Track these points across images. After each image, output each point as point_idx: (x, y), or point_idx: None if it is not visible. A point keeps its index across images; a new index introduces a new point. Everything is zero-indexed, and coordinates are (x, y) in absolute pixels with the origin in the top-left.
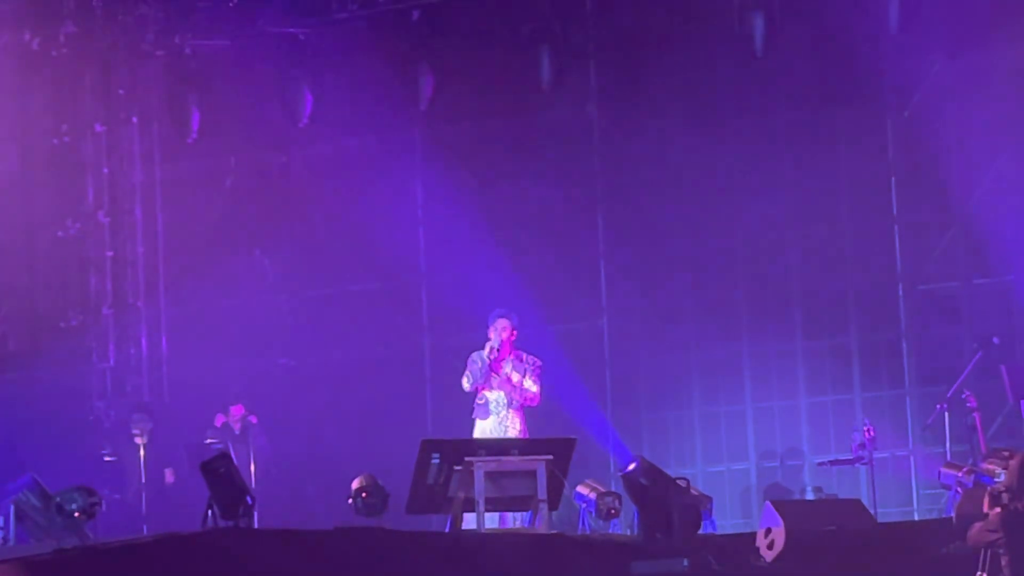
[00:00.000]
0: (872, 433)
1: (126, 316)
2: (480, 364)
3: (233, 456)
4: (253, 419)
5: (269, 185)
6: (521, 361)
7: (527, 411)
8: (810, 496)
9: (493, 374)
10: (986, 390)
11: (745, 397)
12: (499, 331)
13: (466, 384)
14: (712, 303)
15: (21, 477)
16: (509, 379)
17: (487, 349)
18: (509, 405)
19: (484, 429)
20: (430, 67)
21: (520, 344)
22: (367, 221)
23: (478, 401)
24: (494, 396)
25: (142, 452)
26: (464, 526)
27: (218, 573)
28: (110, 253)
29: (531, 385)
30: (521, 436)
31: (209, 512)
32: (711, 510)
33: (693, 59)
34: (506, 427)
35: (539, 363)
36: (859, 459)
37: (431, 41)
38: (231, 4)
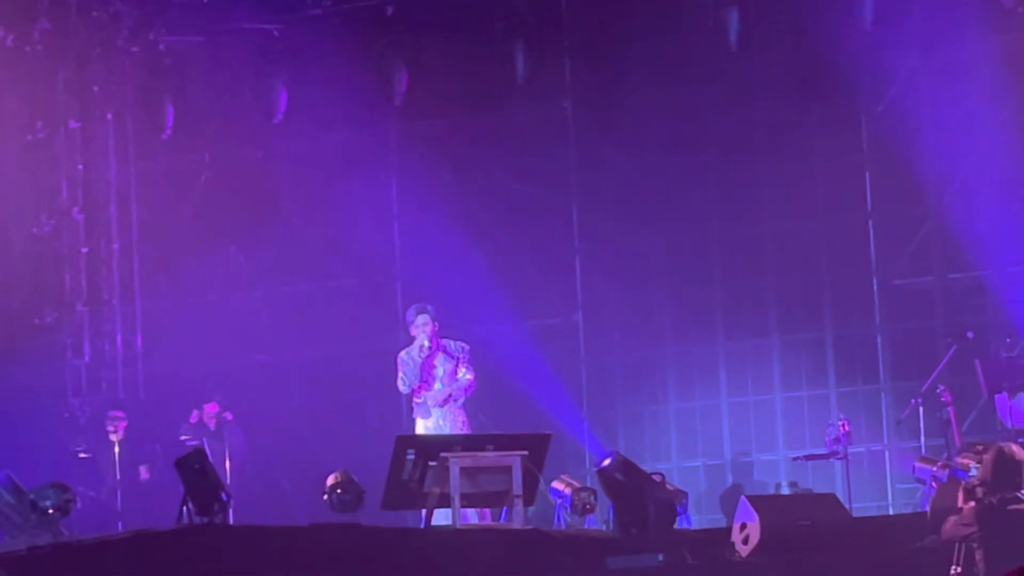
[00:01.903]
0: (847, 428)
1: (101, 313)
2: (412, 364)
3: (208, 453)
4: (229, 416)
5: (244, 181)
6: (450, 353)
7: (468, 403)
8: (785, 491)
9: (432, 378)
10: (960, 385)
11: (720, 392)
12: (422, 327)
13: (402, 387)
14: (687, 298)
15: None
16: (452, 376)
17: (416, 348)
18: (448, 400)
19: (427, 427)
20: (404, 63)
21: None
22: (342, 217)
23: (416, 400)
24: (433, 393)
25: (117, 449)
26: (433, 522)
27: (193, 570)
28: (85, 249)
29: (465, 375)
30: (464, 431)
31: (184, 508)
32: (686, 505)
33: (668, 54)
34: (448, 423)
35: (467, 347)
36: (834, 454)
37: (405, 37)
38: (205, 0)
